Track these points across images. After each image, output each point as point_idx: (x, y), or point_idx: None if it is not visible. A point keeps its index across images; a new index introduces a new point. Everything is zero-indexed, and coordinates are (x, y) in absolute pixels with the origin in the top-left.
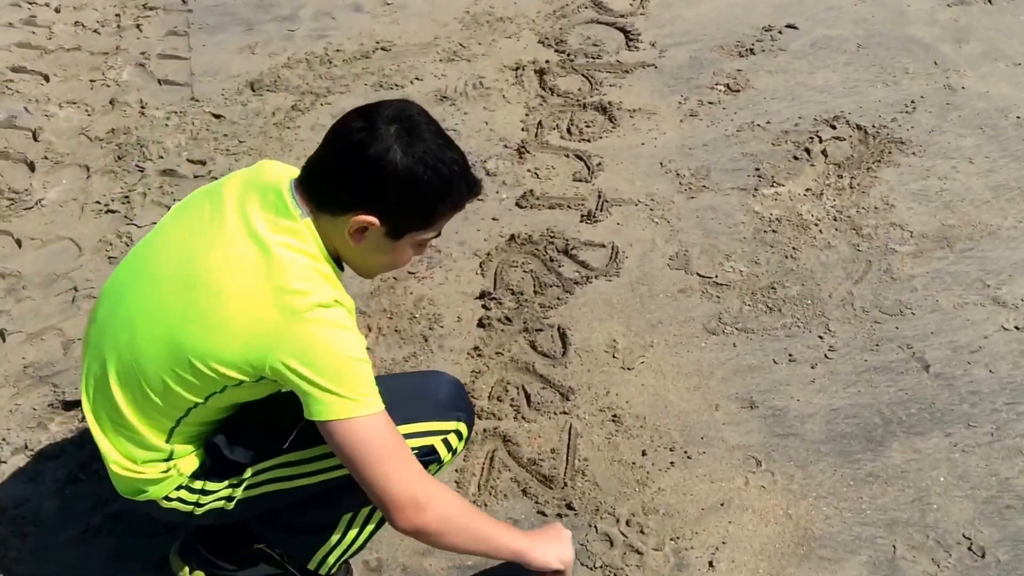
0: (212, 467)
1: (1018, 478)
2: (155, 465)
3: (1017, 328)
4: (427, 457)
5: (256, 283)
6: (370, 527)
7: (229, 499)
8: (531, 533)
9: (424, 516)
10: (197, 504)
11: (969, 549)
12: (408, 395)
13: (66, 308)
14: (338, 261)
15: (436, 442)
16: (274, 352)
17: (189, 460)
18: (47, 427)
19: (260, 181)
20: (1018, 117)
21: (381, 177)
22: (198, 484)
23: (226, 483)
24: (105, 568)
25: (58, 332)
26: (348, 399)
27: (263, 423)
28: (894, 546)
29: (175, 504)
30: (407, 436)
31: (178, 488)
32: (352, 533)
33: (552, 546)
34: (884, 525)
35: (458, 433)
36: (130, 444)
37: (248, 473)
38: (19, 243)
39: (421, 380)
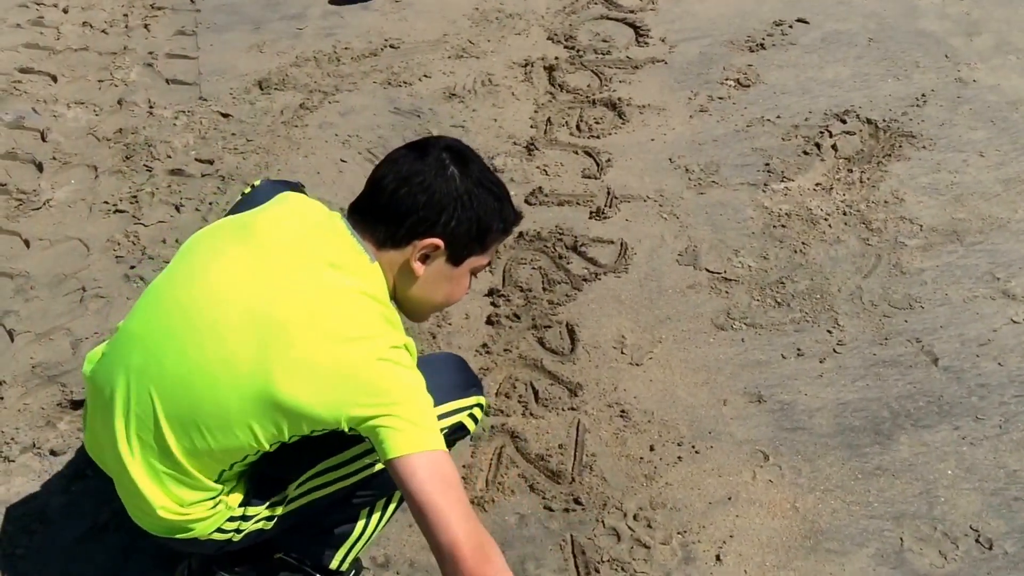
0: (255, 492)
1: None
2: (204, 504)
3: None
4: (458, 433)
5: (333, 330)
6: (385, 517)
7: (270, 519)
8: None
9: (487, 567)
10: (237, 531)
11: (977, 541)
12: (429, 384)
13: (74, 308)
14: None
15: (464, 418)
16: (353, 400)
17: (237, 491)
18: (55, 426)
19: (308, 219)
20: None
21: (444, 200)
22: (239, 511)
23: (267, 503)
24: (113, 564)
25: (66, 332)
26: (427, 432)
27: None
28: (901, 538)
29: (215, 535)
30: (439, 418)
31: (225, 519)
32: (371, 525)
33: None
34: (891, 518)
35: (479, 405)
36: (179, 489)
37: (291, 489)
38: (27, 243)
39: (428, 366)
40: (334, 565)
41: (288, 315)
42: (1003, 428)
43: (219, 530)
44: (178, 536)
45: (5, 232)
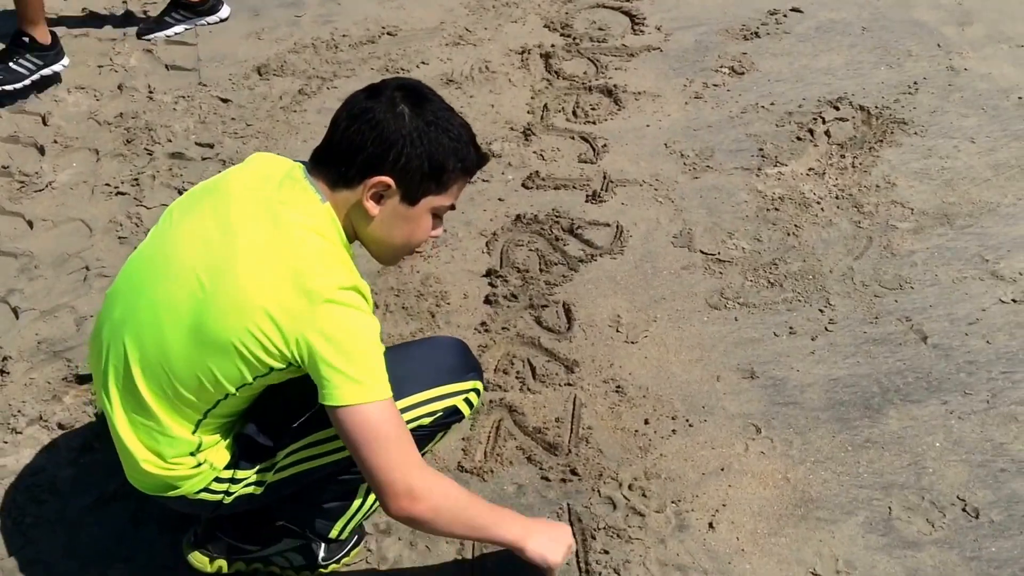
0: (242, 455)
1: (1012, 443)
2: (185, 460)
3: (1015, 301)
4: (452, 417)
5: (279, 268)
6: None
7: (260, 484)
8: (531, 524)
9: (417, 506)
10: (227, 493)
11: (963, 510)
12: (424, 363)
13: (78, 287)
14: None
15: (458, 402)
16: (303, 331)
17: (220, 453)
18: (61, 400)
19: (269, 170)
20: (1020, 97)
21: (392, 137)
22: (227, 473)
23: (256, 468)
24: (122, 533)
25: (71, 310)
26: (360, 384)
27: (288, 406)
28: (890, 507)
29: (203, 495)
30: (436, 399)
31: (212, 479)
32: (370, 499)
33: (547, 543)
34: (880, 488)
35: (476, 391)
36: (158, 440)
37: (280, 456)
38: (31, 224)
39: (430, 347)
40: (333, 535)
41: (236, 253)
42: (990, 403)
43: (207, 490)
44: (168, 495)
45: (8, 213)
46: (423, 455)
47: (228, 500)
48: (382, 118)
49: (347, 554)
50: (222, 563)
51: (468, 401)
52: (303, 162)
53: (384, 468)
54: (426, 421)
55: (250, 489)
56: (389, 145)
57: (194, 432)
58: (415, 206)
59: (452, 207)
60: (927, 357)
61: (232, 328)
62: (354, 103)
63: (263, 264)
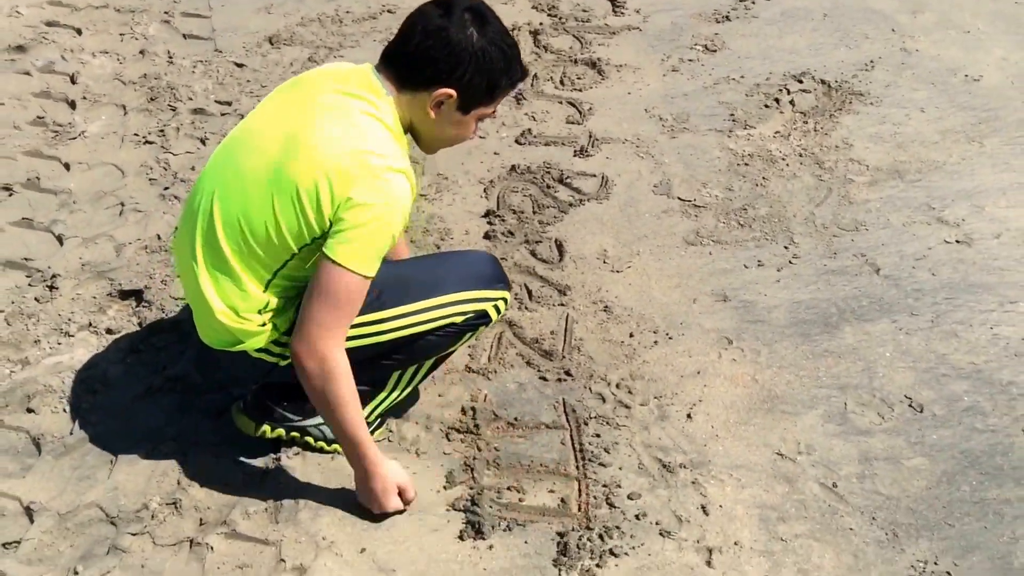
0: None
1: (953, 354)
2: (254, 316)
3: (958, 241)
4: (481, 320)
5: (346, 143)
6: (413, 383)
7: None
8: (374, 472)
9: (310, 360)
10: (282, 356)
11: (910, 406)
12: (460, 269)
13: (115, 219)
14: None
15: (488, 308)
16: (350, 193)
17: (284, 317)
18: (106, 312)
19: (344, 70)
20: (966, 75)
21: (462, 56)
22: (287, 339)
23: None
24: (169, 419)
25: (110, 238)
26: (360, 256)
27: None
28: (845, 403)
29: (263, 355)
30: (468, 301)
31: (272, 342)
32: (399, 387)
33: (373, 497)
34: (837, 388)
35: (504, 300)
36: (233, 294)
37: None
38: (67, 167)
39: (466, 257)
40: (364, 415)
41: (312, 127)
42: (934, 322)
43: (267, 351)
44: (234, 348)
45: (46, 157)
46: (451, 352)
47: (283, 363)
48: (455, 38)
49: (371, 433)
50: (266, 428)
51: (497, 308)
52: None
53: (318, 320)
54: (458, 320)
55: None
56: (457, 63)
57: (264, 290)
58: (467, 114)
59: (494, 114)
60: (879, 285)
61: (300, 174)
62: (429, 19)
63: (333, 139)
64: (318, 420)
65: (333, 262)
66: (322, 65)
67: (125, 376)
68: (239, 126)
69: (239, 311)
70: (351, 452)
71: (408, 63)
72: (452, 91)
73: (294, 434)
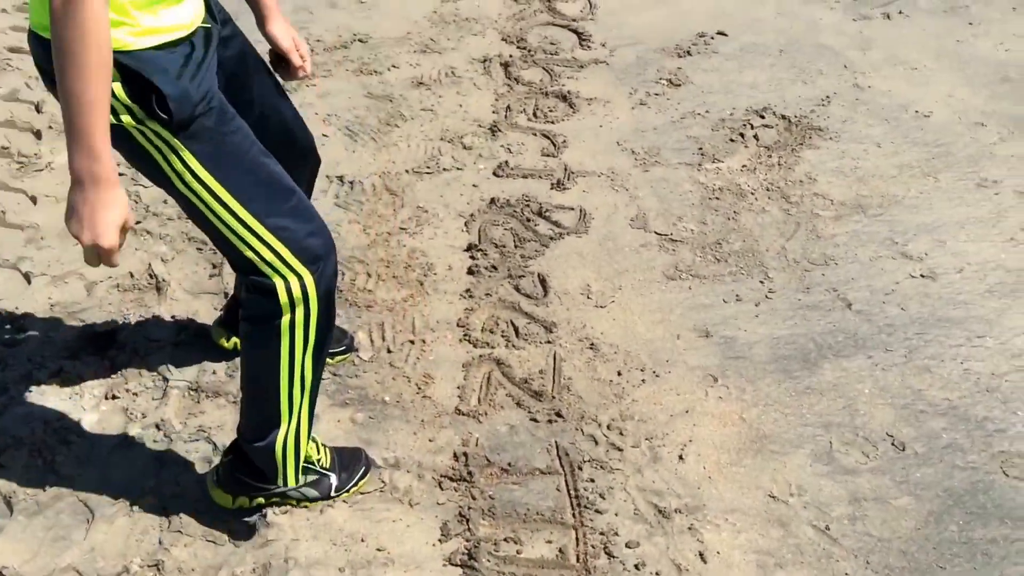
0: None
1: (928, 390)
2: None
3: (923, 276)
4: (263, 279)
5: None
6: (304, 402)
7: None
8: (115, 177)
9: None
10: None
11: (892, 444)
12: (281, 196)
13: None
14: None
15: (276, 278)
16: None
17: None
18: (78, 356)
19: None
20: (916, 111)
21: None
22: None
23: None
24: (148, 470)
25: (80, 276)
26: None
27: None
28: (831, 442)
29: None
30: (270, 246)
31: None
32: (294, 416)
33: (108, 209)
34: (821, 426)
35: (302, 285)
36: None
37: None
38: (34, 200)
39: (298, 201)
40: (290, 482)
41: None
42: (908, 358)
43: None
44: (40, 32)
45: (12, 190)
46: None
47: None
48: None
49: (356, 484)
50: (243, 500)
51: (289, 289)
52: None
53: None
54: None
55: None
56: None
57: None
58: None
59: None
60: (852, 320)
61: None
62: None
63: None
64: (295, 485)
65: None
66: None
67: (100, 425)
68: None
69: None
70: (76, 134)
71: None
72: None
73: (274, 499)
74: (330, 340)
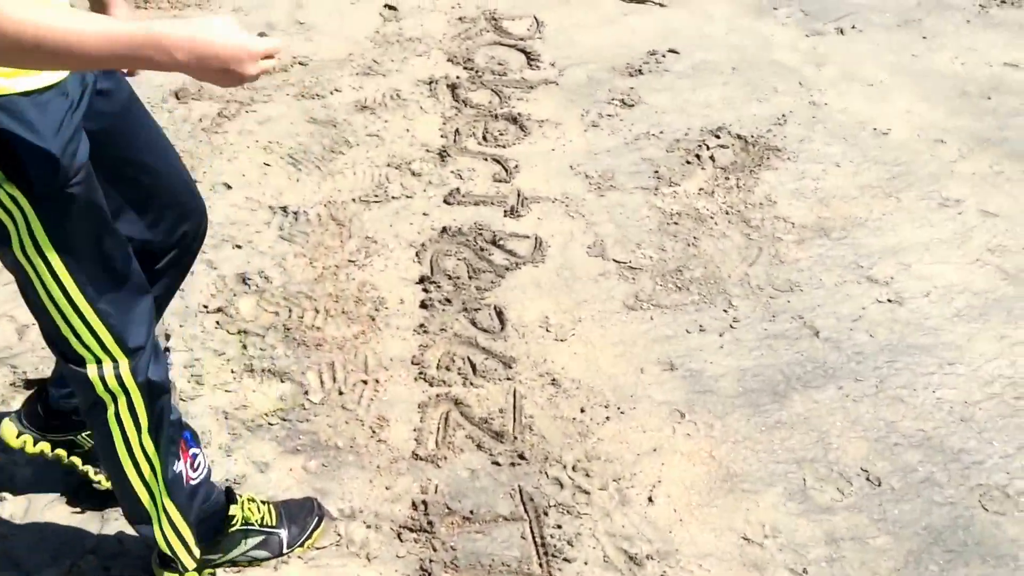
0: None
1: (902, 421)
2: None
3: (890, 300)
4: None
5: None
6: (160, 490)
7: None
8: (195, 27)
9: None
10: None
11: (867, 479)
12: (120, 282)
13: (15, 296)
14: None
15: (90, 362)
16: None
17: None
18: (10, 405)
19: None
20: (875, 128)
21: None
22: None
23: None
24: (87, 528)
25: (11, 319)
26: None
27: None
28: (804, 479)
29: None
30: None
31: None
32: (156, 502)
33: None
34: (794, 462)
35: (116, 371)
36: None
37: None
38: None
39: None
40: (189, 566)
41: None
42: (879, 388)
43: None
44: None
45: None
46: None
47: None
48: None
49: (310, 536)
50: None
51: (101, 373)
52: None
53: None
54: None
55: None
56: None
57: None
58: None
59: None
60: (820, 349)
61: None
62: None
63: None
64: (243, 548)
65: None
66: None
67: (35, 480)
68: None
69: None
70: (112, 55)
71: None
72: None
73: (223, 563)
74: (168, 420)
